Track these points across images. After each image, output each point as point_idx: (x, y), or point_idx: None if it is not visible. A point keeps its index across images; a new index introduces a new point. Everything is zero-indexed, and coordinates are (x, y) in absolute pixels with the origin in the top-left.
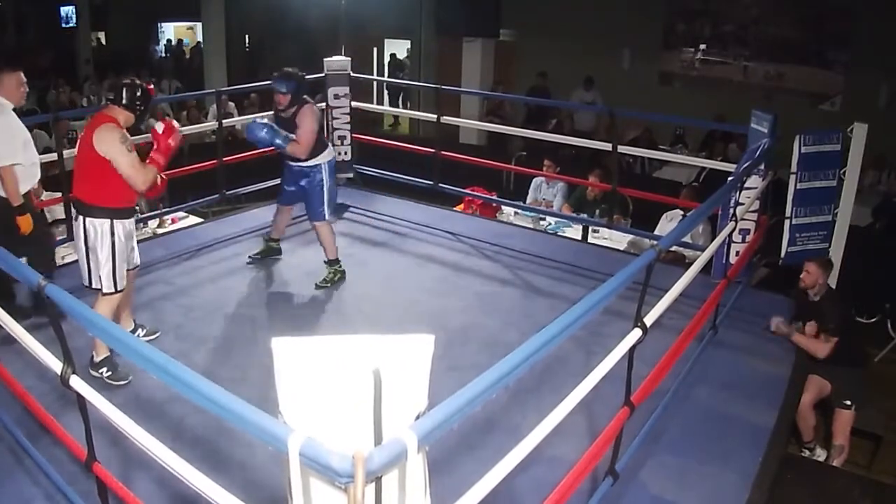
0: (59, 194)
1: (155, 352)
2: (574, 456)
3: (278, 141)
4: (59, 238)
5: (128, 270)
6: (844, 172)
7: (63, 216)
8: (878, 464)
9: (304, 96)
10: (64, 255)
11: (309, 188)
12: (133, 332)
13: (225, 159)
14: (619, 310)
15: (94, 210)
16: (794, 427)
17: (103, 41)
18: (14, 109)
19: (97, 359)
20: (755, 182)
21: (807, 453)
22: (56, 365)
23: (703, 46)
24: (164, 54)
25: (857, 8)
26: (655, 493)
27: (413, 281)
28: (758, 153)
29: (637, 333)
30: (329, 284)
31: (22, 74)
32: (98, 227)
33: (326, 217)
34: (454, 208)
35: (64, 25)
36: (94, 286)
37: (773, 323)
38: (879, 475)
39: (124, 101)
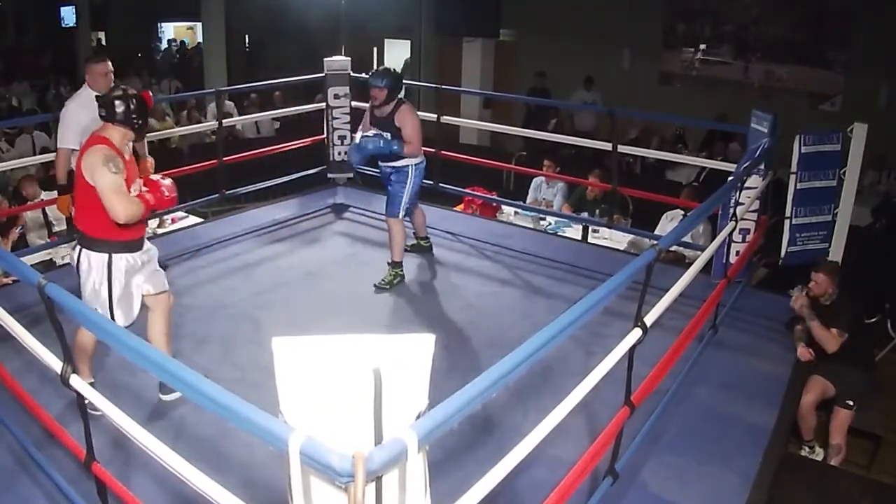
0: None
1: (155, 351)
2: (574, 456)
3: (395, 147)
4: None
5: (155, 294)
6: (844, 172)
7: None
8: (878, 464)
9: (401, 96)
10: (64, 255)
11: (394, 184)
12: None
13: (225, 159)
14: (619, 310)
15: (90, 242)
16: (794, 426)
17: (103, 41)
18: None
19: None
20: (755, 182)
21: (806, 450)
22: (56, 364)
23: (703, 46)
24: (163, 54)
25: (857, 8)
26: (655, 493)
27: (413, 281)
28: (758, 153)
29: (637, 333)
30: (388, 287)
31: (109, 63)
32: (94, 261)
33: (400, 215)
34: (454, 208)
35: (64, 25)
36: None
37: (794, 300)
38: (879, 475)
39: (118, 117)
